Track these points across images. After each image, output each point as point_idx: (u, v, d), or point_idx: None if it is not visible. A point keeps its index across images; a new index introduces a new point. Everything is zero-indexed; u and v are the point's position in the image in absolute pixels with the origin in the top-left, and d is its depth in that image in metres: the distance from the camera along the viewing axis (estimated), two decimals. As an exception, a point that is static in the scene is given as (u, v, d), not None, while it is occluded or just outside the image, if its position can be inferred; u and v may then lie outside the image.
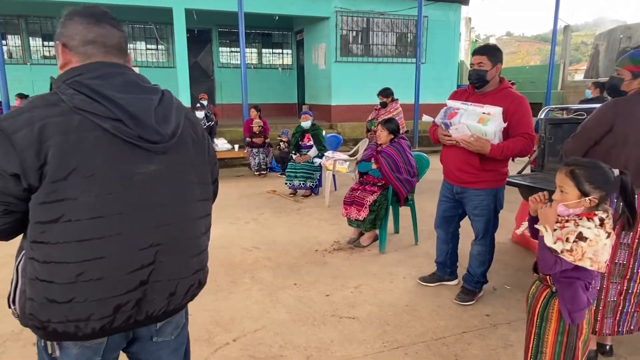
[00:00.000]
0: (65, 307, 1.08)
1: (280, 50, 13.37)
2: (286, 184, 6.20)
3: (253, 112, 7.61)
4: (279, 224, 4.94)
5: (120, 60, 1.20)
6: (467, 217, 3.11)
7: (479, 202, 2.92)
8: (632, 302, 2.30)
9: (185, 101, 9.41)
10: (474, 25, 44.09)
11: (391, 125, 4.06)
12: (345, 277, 3.51)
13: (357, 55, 11.12)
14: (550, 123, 4.05)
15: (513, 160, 3.33)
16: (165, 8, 9.28)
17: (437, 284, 3.34)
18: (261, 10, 9.89)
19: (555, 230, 1.63)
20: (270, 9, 10.13)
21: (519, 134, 2.73)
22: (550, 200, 1.69)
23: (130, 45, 11.34)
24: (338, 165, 5.70)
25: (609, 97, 2.46)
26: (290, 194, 6.24)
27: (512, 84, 3.02)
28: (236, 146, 7.91)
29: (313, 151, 6.24)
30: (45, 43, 11.25)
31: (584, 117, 3.51)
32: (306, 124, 6.27)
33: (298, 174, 6.09)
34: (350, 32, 11.01)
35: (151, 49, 11.90)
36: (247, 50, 11.83)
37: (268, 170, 7.70)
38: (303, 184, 6.10)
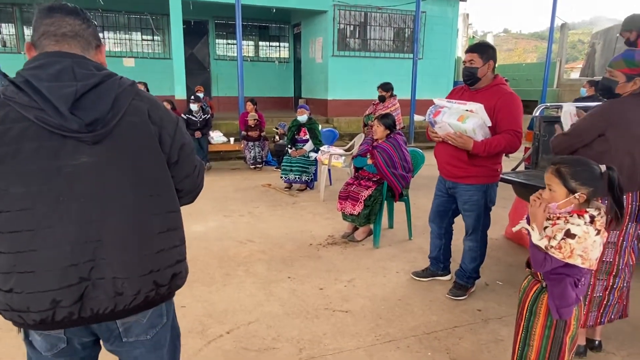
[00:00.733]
0: (7, 296, 1.10)
1: (277, 44, 13.29)
2: (281, 177, 6.21)
3: (249, 105, 7.59)
4: (273, 218, 4.94)
5: (77, 49, 1.17)
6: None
7: (468, 197, 2.95)
8: (615, 295, 2.39)
9: (181, 93, 9.36)
10: (472, 21, 44.04)
11: (387, 121, 4.07)
12: (339, 271, 3.53)
13: (354, 50, 11.09)
14: (545, 121, 4.07)
15: (507, 156, 3.35)
16: (162, -2, 9.21)
17: (429, 278, 3.37)
18: (258, 2, 9.83)
19: (546, 228, 1.66)
20: (268, 1, 10.07)
21: (505, 130, 2.74)
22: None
23: (126, 36, 11.26)
24: (333, 160, 5.70)
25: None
26: (285, 187, 6.24)
27: (506, 81, 3.03)
28: (232, 139, 7.90)
29: (309, 145, 6.24)
30: (40, 32, 11.12)
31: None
32: (303, 117, 6.27)
33: (293, 168, 6.09)
34: (348, 26, 10.97)
35: (147, 40, 11.79)
36: (244, 42, 11.74)
37: (263, 163, 7.70)
38: (298, 178, 6.10)
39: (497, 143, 2.73)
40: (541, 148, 4.02)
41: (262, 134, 7.62)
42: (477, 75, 2.80)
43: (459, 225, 3.18)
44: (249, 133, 7.51)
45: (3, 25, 10.75)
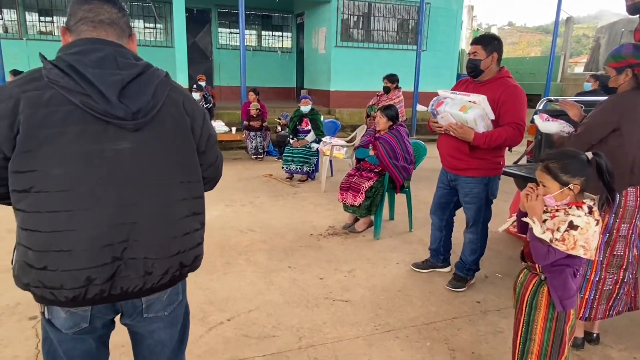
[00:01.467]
0: (41, 274, 1.13)
1: (280, 33, 13.23)
2: (283, 168, 6.21)
3: (251, 95, 7.57)
4: (275, 208, 4.96)
5: (113, 37, 1.21)
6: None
7: (469, 189, 2.95)
8: (625, 289, 2.40)
9: (183, 82, 9.32)
10: (476, 14, 43.68)
11: (390, 112, 4.06)
12: (340, 262, 3.55)
13: (357, 41, 11.03)
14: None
15: (510, 150, 3.34)
16: (165, -14, 9.14)
17: (429, 270, 3.39)
18: (262, -9, 9.77)
19: (545, 221, 1.66)
20: (271, -10, 10.00)
21: (507, 123, 2.73)
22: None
23: (128, 23, 11.19)
24: (335, 151, 5.70)
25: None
26: (286, 178, 6.24)
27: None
28: (233, 129, 7.88)
29: (310, 136, 6.23)
30: (42, 18, 11.07)
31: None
32: (305, 108, 6.25)
33: (295, 159, 6.09)
34: (352, 16, 10.90)
35: (149, 28, 11.73)
36: (247, 32, 11.67)
37: (265, 154, 7.70)
38: (300, 168, 6.10)
39: (497, 135, 2.72)
40: (544, 142, 4.01)
41: (264, 124, 7.61)
42: (480, 67, 2.79)
43: (460, 217, 3.19)
44: (251, 123, 7.50)
45: (5, 10, 10.69)
